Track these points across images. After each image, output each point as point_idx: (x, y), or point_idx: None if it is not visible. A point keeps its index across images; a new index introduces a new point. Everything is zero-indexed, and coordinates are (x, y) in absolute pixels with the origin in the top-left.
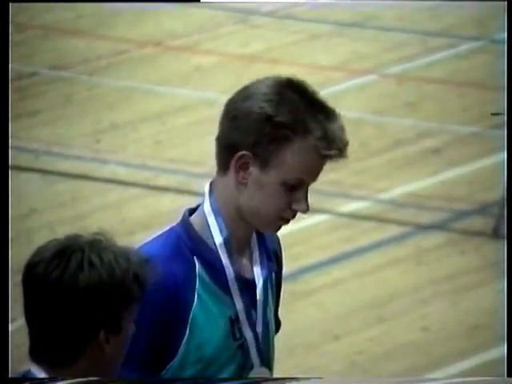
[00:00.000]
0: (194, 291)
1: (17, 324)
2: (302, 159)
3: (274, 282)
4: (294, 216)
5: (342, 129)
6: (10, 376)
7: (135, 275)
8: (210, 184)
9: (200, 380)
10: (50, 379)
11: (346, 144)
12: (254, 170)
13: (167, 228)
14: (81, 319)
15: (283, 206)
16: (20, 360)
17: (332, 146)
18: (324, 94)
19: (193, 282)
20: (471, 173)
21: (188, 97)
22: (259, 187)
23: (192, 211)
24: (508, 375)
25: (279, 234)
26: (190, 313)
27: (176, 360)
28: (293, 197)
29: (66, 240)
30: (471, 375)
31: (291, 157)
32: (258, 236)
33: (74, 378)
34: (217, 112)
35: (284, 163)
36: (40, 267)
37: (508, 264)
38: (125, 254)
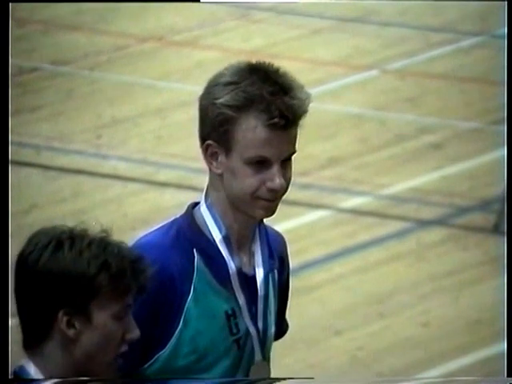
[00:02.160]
0: (191, 283)
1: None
2: (251, 135)
3: (278, 281)
4: (272, 194)
5: (296, 98)
6: (10, 377)
7: (107, 265)
8: (208, 181)
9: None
10: (45, 379)
11: (296, 112)
12: (221, 157)
13: (171, 219)
14: (41, 297)
15: (256, 185)
16: (21, 355)
17: (275, 115)
18: (325, 89)
19: (190, 273)
20: (472, 168)
21: (189, 92)
22: (231, 173)
23: (196, 204)
24: (508, 375)
25: (280, 229)
26: (185, 304)
27: (167, 350)
28: (265, 175)
29: (49, 227)
30: (472, 370)
31: (242, 135)
32: (260, 233)
33: (47, 367)
34: None
35: (238, 143)
36: (19, 252)
37: (508, 260)
38: (104, 244)
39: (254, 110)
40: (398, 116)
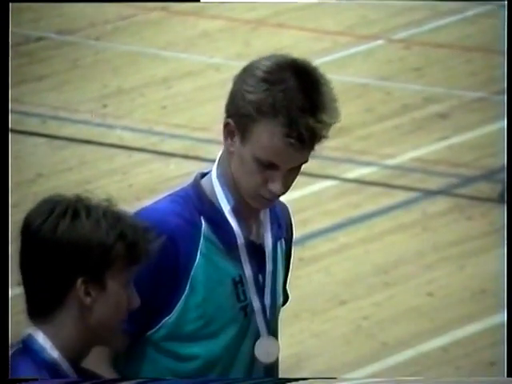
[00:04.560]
0: (197, 250)
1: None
2: (268, 141)
3: (284, 251)
4: (273, 196)
5: (321, 123)
6: (10, 375)
7: (123, 235)
8: (221, 152)
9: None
10: (54, 379)
11: (317, 138)
12: (237, 140)
13: (179, 188)
14: (58, 266)
15: (259, 182)
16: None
17: (294, 136)
18: (330, 59)
19: (196, 240)
20: (478, 138)
21: (194, 62)
22: (240, 159)
23: (204, 175)
24: (508, 375)
25: (285, 199)
26: (191, 270)
27: (173, 315)
28: (269, 176)
29: (57, 195)
30: (476, 340)
31: (258, 136)
32: None
33: (58, 335)
34: (223, 77)
35: (254, 141)
36: (26, 220)
37: (508, 230)
38: (117, 214)
39: (277, 120)
40: (404, 86)
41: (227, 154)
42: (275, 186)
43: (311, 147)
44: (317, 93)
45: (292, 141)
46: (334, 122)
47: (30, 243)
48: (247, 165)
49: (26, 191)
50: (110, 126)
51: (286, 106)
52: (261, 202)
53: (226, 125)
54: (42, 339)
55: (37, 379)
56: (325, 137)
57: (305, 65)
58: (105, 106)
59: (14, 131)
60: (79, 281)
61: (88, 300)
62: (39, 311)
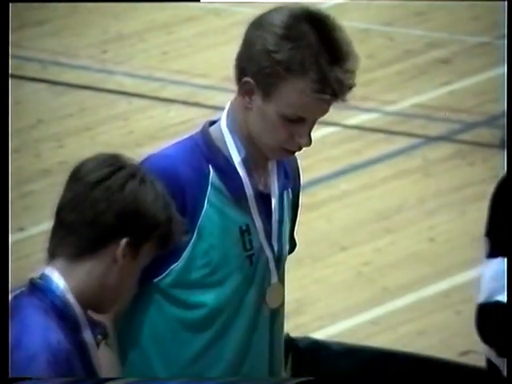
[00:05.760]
0: (205, 198)
1: (27, 233)
2: (298, 98)
3: (291, 201)
4: (298, 148)
5: (348, 72)
6: (10, 369)
7: (169, 219)
8: (232, 102)
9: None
10: (52, 378)
11: (347, 88)
12: (257, 97)
13: (187, 136)
14: (113, 219)
15: (284, 137)
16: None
17: (326, 90)
18: (332, 4)
19: (204, 187)
20: (480, 83)
21: (195, 7)
22: (262, 116)
23: (212, 123)
24: (508, 375)
25: None
26: (198, 218)
27: (180, 262)
28: (295, 130)
29: (117, 155)
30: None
31: (287, 94)
32: None
33: (76, 276)
34: (224, 23)
35: (281, 98)
36: (84, 168)
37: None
38: (168, 199)
39: (307, 77)
40: (406, 31)
41: (241, 108)
42: (303, 140)
43: (343, 99)
44: (337, 42)
45: (325, 96)
46: (357, 68)
47: (89, 190)
48: (271, 121)
49: (26, 137)
50: (111, 72)
51: (315, 63)
52: (284, 154)
53: (245, 83)
54: (56, 277)
55: (32, 378)
56: (352, 87)
57: (318, 14)
58: (105, 51)
59: (14, 76)
60: (124, 240)
61: (121, 261)
62: (67, 252)
